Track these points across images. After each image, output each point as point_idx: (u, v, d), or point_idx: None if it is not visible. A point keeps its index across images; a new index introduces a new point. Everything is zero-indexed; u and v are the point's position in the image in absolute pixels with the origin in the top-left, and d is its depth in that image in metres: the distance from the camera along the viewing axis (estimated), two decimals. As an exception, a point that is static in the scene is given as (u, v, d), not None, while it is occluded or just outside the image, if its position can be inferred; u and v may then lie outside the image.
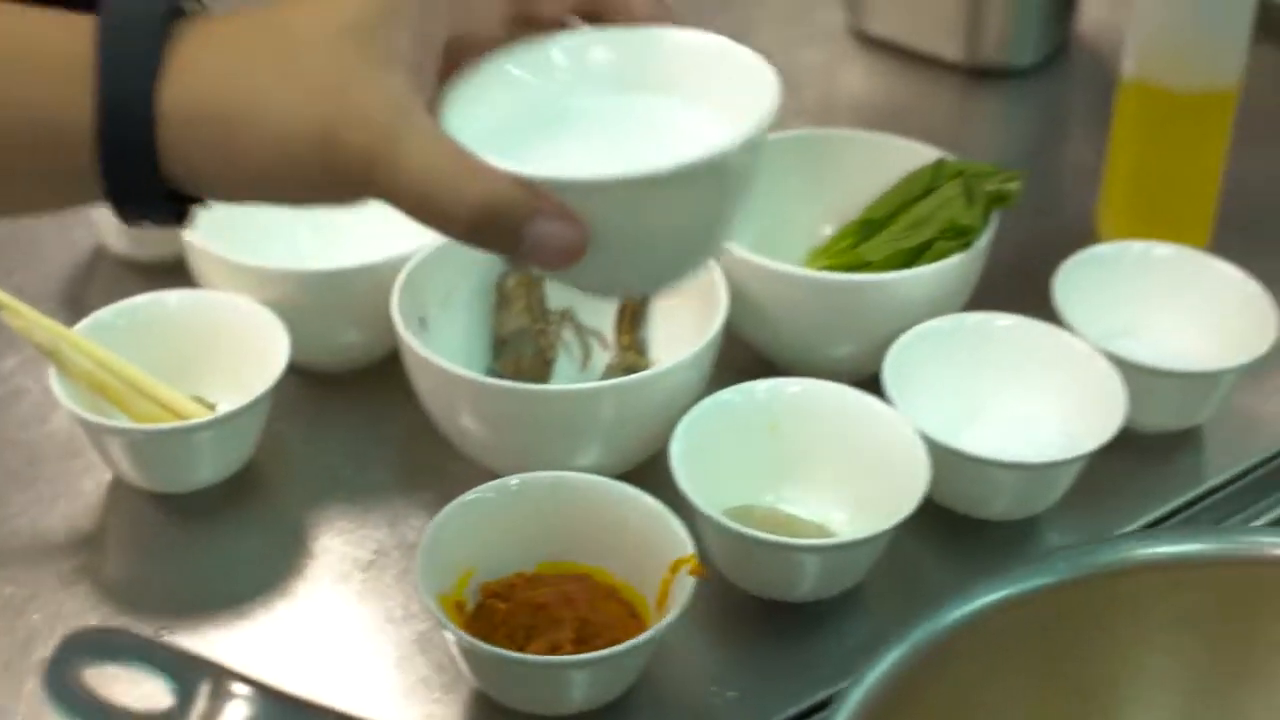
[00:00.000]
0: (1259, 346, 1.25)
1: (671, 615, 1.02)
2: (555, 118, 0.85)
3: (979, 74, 1.70)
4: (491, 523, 1.09)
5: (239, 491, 1.21)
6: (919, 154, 1.34)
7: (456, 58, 0.82)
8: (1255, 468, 1.26)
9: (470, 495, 1.09)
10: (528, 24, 0.84)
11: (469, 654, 1.03)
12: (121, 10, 0.76)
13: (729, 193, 0.81)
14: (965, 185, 1.27)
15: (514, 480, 1.10)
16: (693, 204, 0.79)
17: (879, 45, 1.74)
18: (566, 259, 0.78)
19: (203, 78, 0.76)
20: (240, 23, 0.77)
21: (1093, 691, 0.96)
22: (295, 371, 1.22)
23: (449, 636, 1.03)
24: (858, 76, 1.71)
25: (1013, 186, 1.28)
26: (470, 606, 1.08)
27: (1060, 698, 0.95)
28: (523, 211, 0.75)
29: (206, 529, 1.19)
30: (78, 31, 0.77)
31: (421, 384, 1.16)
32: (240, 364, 1.21)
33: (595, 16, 0.85)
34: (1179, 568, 0.95)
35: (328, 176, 0.76)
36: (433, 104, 0.80)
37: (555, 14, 0.84)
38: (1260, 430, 1.29)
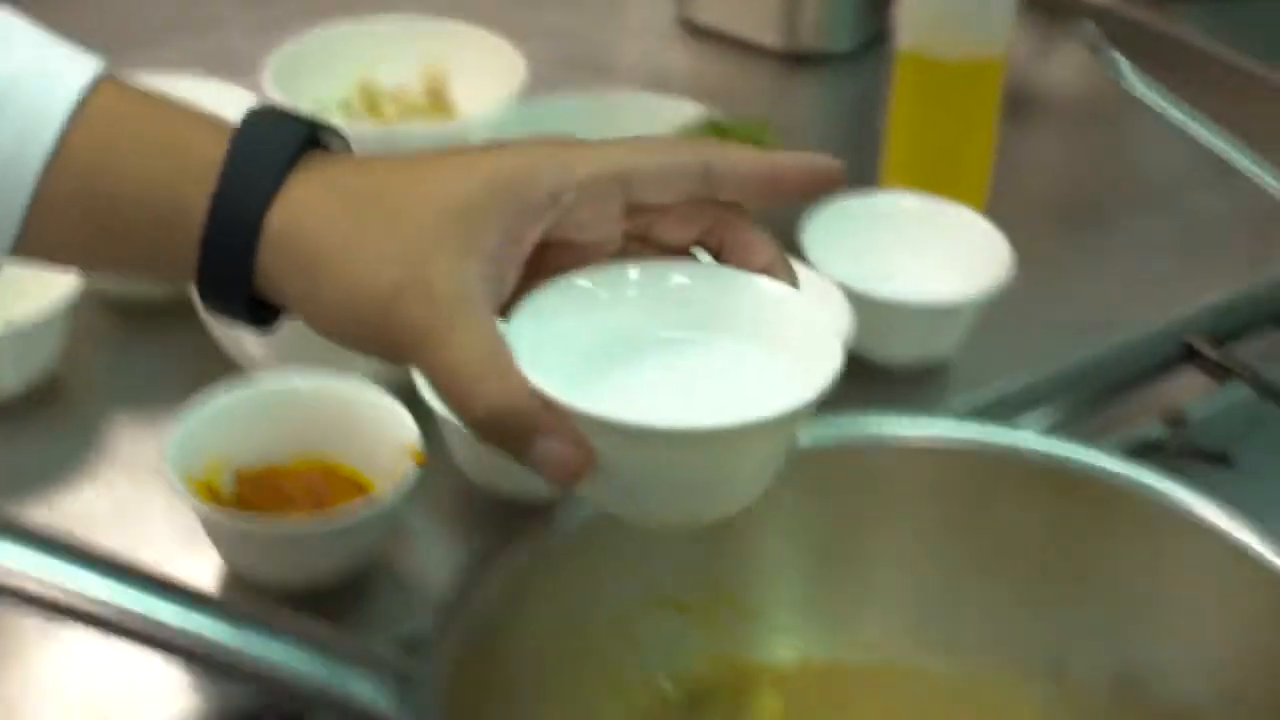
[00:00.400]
0: (996, 280, 1.35)
1: (394, 492, 1.12)
2: (619, 341, 0.86)
3: (798, 60, 1.80)
4: (245, 417, 1.20)
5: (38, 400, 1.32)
6: (691, 112, 1.45)
7: (565, 263, 0.84)
8: (996, 400, 1.36)
9: (223, 390, 1.20)
10: (645, 242, 0.85)
11: (209, 524, 1.14)
12: (261, 130, 0.82)
13: (755, 455, 0.82)
14: (718, 135, 1.37)
15: (264, 379, 1.21)
16: (711, 462, 0.81)
17: (705, 34, 1.85)
18: (568, 478, 0.81)
19: (310, 215, 0.80)
20: (363, 175, 0.82)
21: (844, 556, 1.07)
22: (100, 302, 1.35)
23: (195, 510, 1.12)
24: (684, 64, 1.82)
25: (764, 139, 1.38)
26: (225, 494, 1.18)
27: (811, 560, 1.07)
28: (529, 424, 0.76)
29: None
30: (219, 138, 0.82)
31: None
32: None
33: (716, 252, 0.85)
34: (916, 450, 1.05)
35: (384, 338, 0.80)
36: (510, 304, 0.82)
37: (676, 241, 0.85)
38: (1002, 361, 1.39)
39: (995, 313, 1.34)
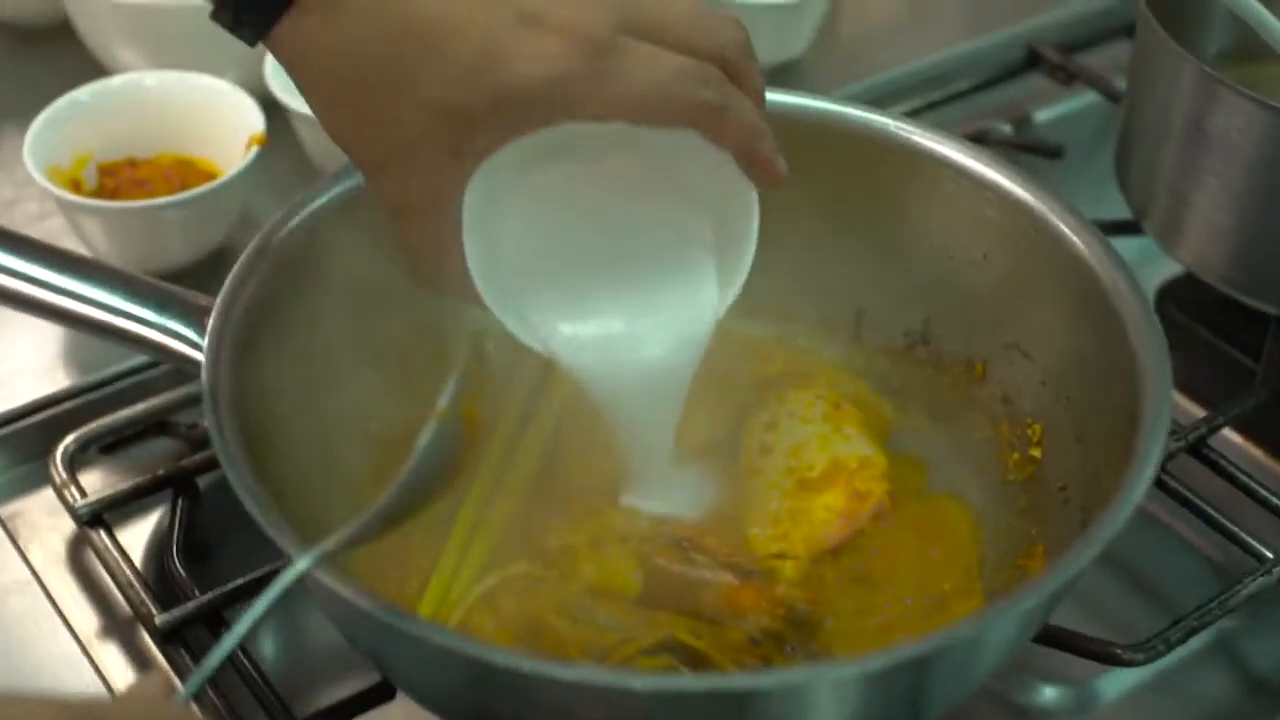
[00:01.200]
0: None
1: (239, 171, 1.18)
2: (562, 230, 0.94)
3: None
4: (104, 113, 1.26)
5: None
6: None
7: None
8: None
9: (84, 89, 1.26)
10: None
11: (71, 213, 1.22)
12: None
13: None
14: None
15: (116, 80, 1.26)
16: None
17: None
18: None
19: None
20: None
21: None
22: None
23: (58, 200, 1.20)
24: None
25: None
26: (88, 187, 1.24)
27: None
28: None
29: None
30: None
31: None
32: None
33: None
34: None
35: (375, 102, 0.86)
36: None
37: None
38: (851, 64, 1.44)
39: (844, 16, 1.37)
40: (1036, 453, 1.00)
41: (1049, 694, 1.05)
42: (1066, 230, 1.00)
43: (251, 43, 0.86)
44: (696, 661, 0.90)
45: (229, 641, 0.75)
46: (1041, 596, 0.81)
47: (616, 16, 0.84)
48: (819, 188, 1.08)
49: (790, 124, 1.03)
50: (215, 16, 0.86)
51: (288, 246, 0.98)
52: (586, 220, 0.94)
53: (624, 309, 0.96)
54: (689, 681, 0.80)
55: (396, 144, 0.86)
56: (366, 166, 0.88)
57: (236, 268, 0.95)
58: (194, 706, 0.74)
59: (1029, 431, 1.01)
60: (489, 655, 0.76)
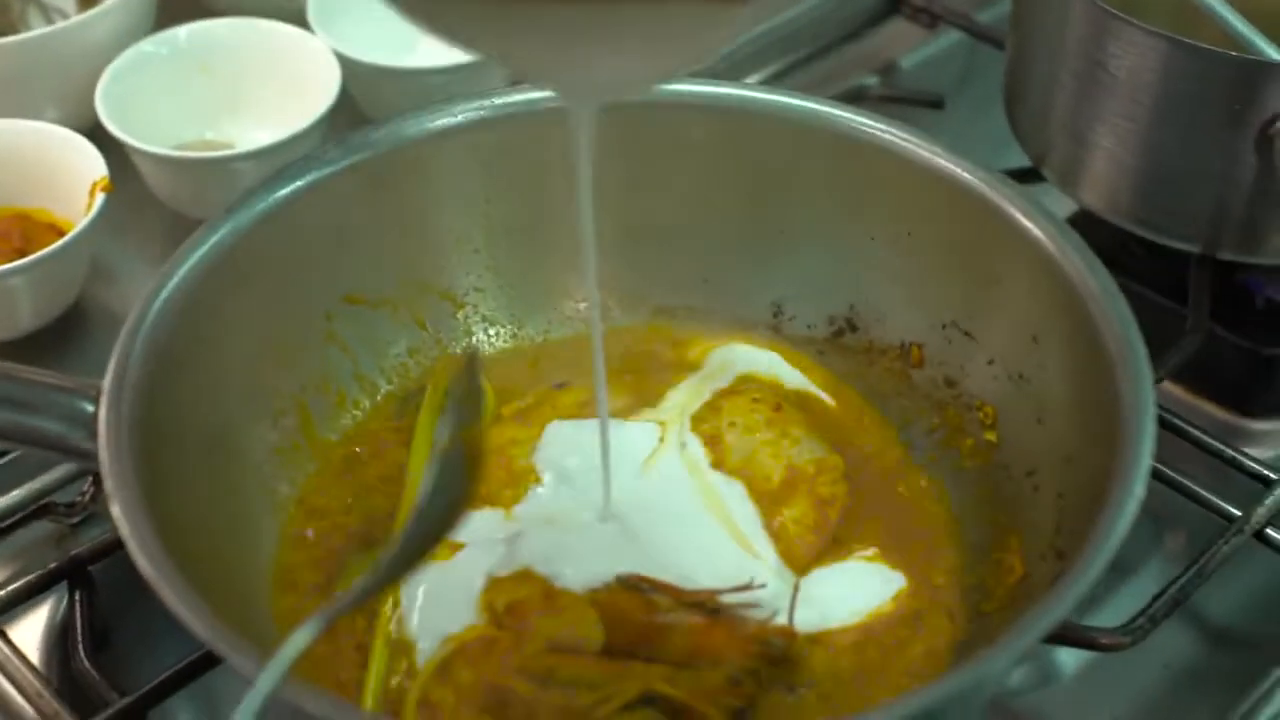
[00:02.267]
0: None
1: (88, 223, 1.08)
2: None
3: None
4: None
5: None
6: None
7: None
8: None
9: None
10: None
11: None
12: None
13: None
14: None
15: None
16: None
17: None
18: None
19: None
20: None
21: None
22: None
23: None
24: None
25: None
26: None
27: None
28: None
29: None
30: None
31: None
32: None
33: None
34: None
35: None
36: None
37: None
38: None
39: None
40: (992, 436, 0.95)
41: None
42: (996, 197, 0.95)
43: None
44: (678, 713, 0.83)
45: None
46: (1035, 636, 0.77)
47: None
48: (722, 177, 1.04)
49: (686, 110, 1.02)
50: None
51: (168, 314, 0.91)
52: None
53: None
54: None
55: None
56: None
57: (118, 347, 0.88)
58: None
59: (980, 414, 0.96)
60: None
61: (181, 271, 0.92)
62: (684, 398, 1.00)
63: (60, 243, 1.09)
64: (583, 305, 1.06)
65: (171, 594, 0.75)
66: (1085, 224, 1.17)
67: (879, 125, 0.99)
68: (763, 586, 0.89)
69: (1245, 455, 1.04)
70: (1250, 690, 0.95)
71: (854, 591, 0.93)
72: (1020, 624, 0.76)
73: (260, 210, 0.96)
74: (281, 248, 0.97)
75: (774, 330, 1.06)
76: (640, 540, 0.91)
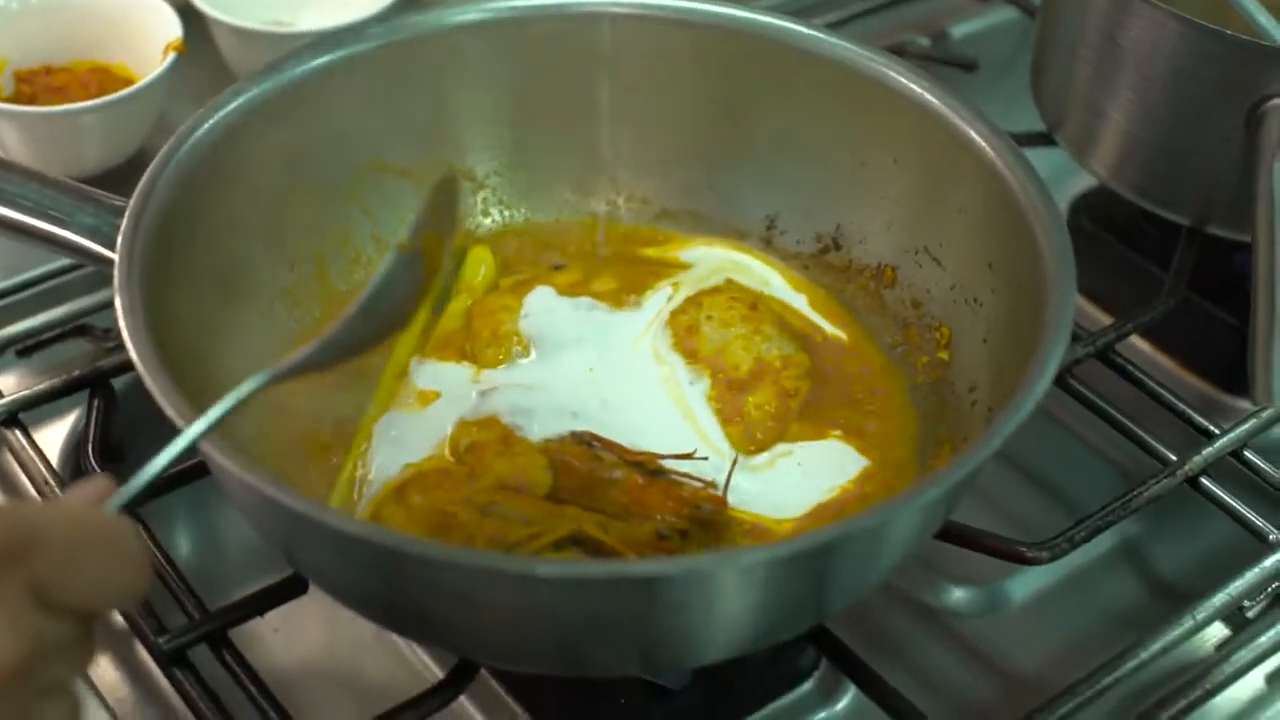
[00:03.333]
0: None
1: (156, 76, 1.17)
2: None
3: None
4: (20, 19, 1.26)
5: None
6: None
7: None
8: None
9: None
10: None
11: None
12: None
13: None
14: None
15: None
16: None
17: None
18: None
19: None
20: None
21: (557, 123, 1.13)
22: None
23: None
24: None
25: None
26: (5, 92, 1.24)
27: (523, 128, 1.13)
28: None
29: None
30: None
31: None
32: None
33: None
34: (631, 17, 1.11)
35: None
36: None
37: None
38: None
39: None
40: (944, 355, 1.02)
41: (958, 595, 1.07)
42: (976, 137, 1.01)
43: None
44: (602, 555, 0.90)
45: (177, 447, 0.77)
46: (943, 488, 0.82)
47: None
48: (733, 95, 1.10)
49: (701, 30, 1.07)
50: None
51: (202, 149, 0.98)
52: None
53: None
54: (593, 568, 0.81)
55: None
56: None
57: (150, 168, 0.95)
58: (127, 520, 0.72)
59: (937, 335, 1.03)
60: (399, 544, 0.77)
61: (220, 113, 1.00)
62: (668, 291, 1.07)
63: (129, 90, 1.18)
64: (592, 199, 1.13)
65: (150, 372, 0.82)
66: (1101, 197, 1.23)
67: (874, 56, 1.06)
68: (704, 459, 0.96)
69: (1195, 411, 1.10)
70: (1165, 632, 0.99)
71: (815, 474, 1.00)
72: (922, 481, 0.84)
73: (301, 71, 1.04)
74: (317, 107, 1.04)
75: (765, 242, 1.13)
76: (600, 407, 0.99)
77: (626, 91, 1.11)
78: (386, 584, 0.82)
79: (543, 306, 1.05)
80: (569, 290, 1.07)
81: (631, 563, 0.85)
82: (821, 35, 1.08)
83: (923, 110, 1.05)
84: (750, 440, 1.00)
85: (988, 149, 0.99)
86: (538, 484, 0.94)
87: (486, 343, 1.02)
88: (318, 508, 0.80)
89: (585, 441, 0.96)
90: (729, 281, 1.09)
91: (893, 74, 1.06)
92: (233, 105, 1.00)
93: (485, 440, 0.96)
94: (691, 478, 0.96)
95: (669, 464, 0.97)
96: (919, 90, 1.05)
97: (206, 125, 0.99)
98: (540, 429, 0.98)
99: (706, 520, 0.93)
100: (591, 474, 0.94)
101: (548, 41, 1.09)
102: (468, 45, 1.09)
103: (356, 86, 1.06)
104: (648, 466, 0.95)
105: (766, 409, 1.00)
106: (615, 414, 0.99)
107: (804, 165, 1.11)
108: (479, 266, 1.10)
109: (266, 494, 0.78)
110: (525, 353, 1.04)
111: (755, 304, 1.06)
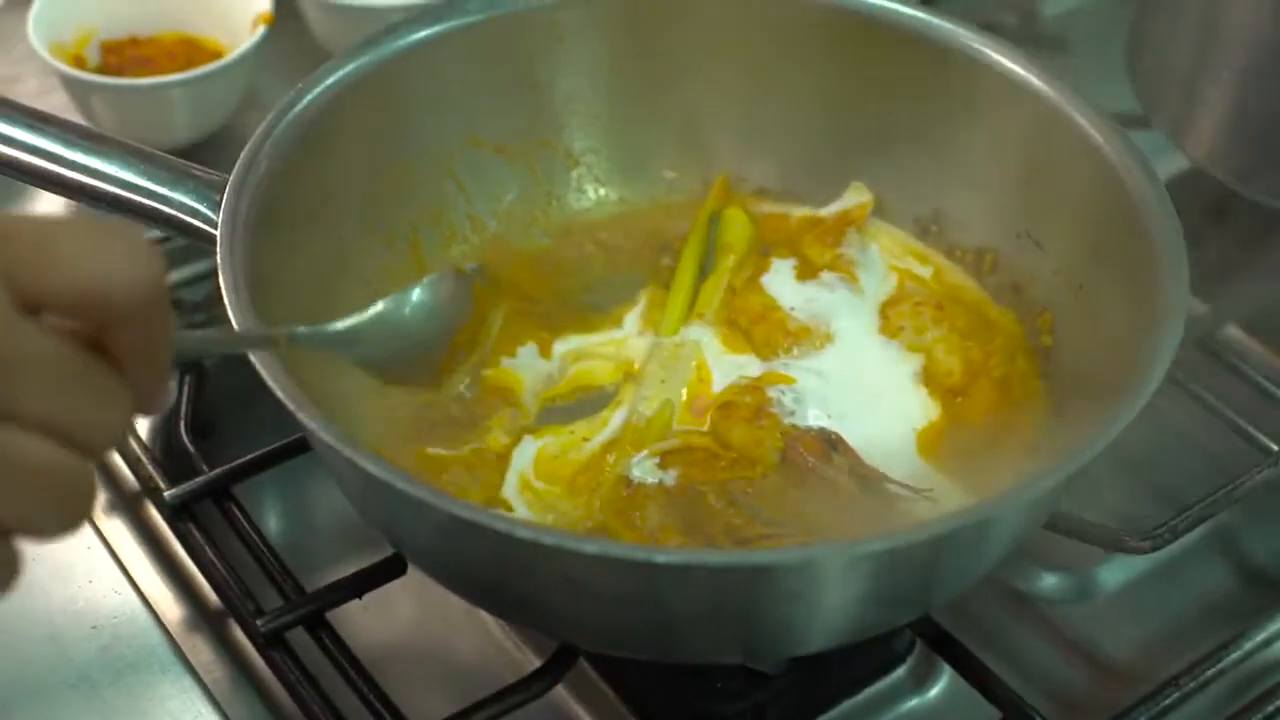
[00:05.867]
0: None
1: (245, 49, 1.17)
2: None
3: None
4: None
5: None
6: None
7: None
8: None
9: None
10: None
11: (76, 89, 1.22)
12: None
13: None
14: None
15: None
16: None
17: None
18: None
19: None
20: None
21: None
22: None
23: (61, 75, 1.18)
24: None
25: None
26: (91, 64, 1.23)
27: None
28: None
29: None
30: None
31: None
32: None
33: None
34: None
35: None
36: None
37: None
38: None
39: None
40: (1047, 341, 0.99)
41: (1050, 581, 1.06)
42: (1082, 120, 0.99)
43: None
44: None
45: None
46: (1055, 480, 0.81)
47: None
48: (831, 72, 1.09)
49: (804, 9, 1.07)
50: None
51: (300, 124, 0.97)
52: None
53: None
54: (708, 556, 0.81)
55: None
56: None
57: (250, 143, 0.94)
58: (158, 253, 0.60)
59: (1040, 321, 1.01)
60: (509, 529, 0.76)
61: (317, 89, 0.99)
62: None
63: (218, 63, 1.18)
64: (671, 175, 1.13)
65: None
66: (1195, 181, 1.21)
67: (971, 34, 1.05)
68: (929, 491, 0.95)
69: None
70: (1267, 624, 0.99)
71: None
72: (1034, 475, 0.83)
73: (400, 45, 1.03)
74: (414, 82, 1.03)
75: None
76: (857, 407, 1.00)
77: (728, 75, 1.10)
78: (496, 569, 0.81)
79: (799, 295, 1.05)
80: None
81: (747, 553, 0.84)
82: (923, 15, 1.07)
83: (1028, 93, 1.03)
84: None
85: (1093, 133, 0.98)
86: (765, 463, 0.94)
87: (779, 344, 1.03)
88: (426, 490, 0.79)
89: (829, 440, 0.95)
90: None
91: (997, 56, 1.05)
92: (330, 80, 0.99)
93: (741, 403, 0.96)
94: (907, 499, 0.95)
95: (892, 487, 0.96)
96: (1023, 73, 1.04)
97: (305, 101, 0.98)
98: (800, 417, 0.98)
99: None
100: (814, 470, 0.93)
101: (647, 22, 1.09)
102: (567, 23, 1.08)
103: (452, 61, 1.05)
104: (871, 482, 0.94)
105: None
106: (866, 420, 0.99)
107: (904, 144, 1.09)
108: (735, 225, 1.09)
109: (369, 472, 0.78)
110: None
111: (941, 304, 1.05)
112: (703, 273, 1.06)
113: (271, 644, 0.92)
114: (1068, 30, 1.39)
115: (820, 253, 1.07)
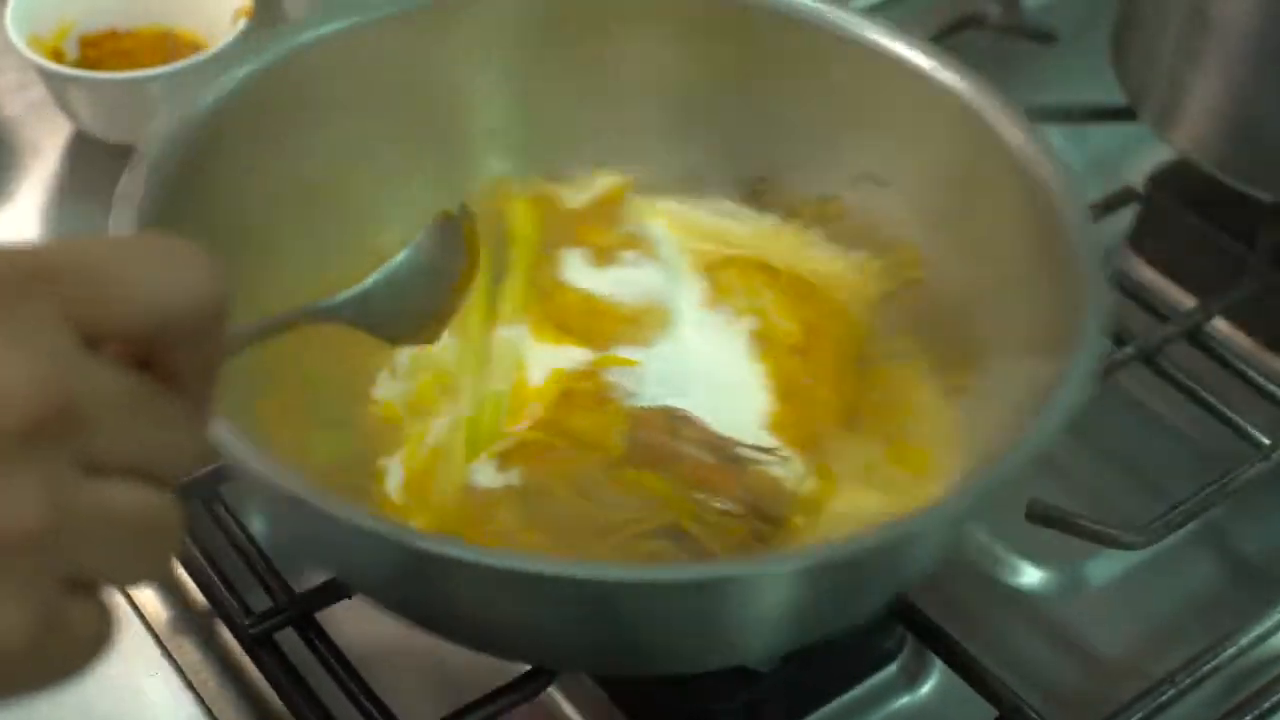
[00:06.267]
0: None
1: (225, 41, 1.16)
2: None
3: None
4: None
5: None
6: None
7: None
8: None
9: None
10: None
11: (55, 84, 1.21)
12: None
13: None
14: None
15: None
16: None
17: None
18: None
19: None
20: None
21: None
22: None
23: (40, 69, 1.18)
24: None
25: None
26: (70, 57, 1.22)
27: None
28: None
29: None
30: None
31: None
32: None
33: None
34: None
35: None
36: None
37: None
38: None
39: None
40: (917, 274, 1.01)
41: (1036, 576, 1.06)
42: (905, 52, 0.99)
43: None
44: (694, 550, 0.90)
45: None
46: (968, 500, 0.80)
47: None
48: (667, 48, 1.07)
49: None
50: None
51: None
52: None
53: None
54: (651, 573, 0.78)
55: None
56: None
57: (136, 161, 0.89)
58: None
59: (905, 256, 1.02)
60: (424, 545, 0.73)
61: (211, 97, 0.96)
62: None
63: (198, 56, 1.16)
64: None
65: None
66: (1180, 171, 1.21)
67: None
68: (785, 457, 0.95)
69: (1282, 391, 1.06)
70: (1262, 620, 0.98)
71: None
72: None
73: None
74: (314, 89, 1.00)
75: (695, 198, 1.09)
76: (696, 381, 0.98)
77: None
78: (423, 588, 0.79)
79: (606, 280, 1.03)
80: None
81: (683, 567, 0.84)
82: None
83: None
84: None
85: (917, 59, 0.99)
86: (612, 446, 0.93)
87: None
88: (327, 498, 0.74)
89: (674, 416, 0.94)
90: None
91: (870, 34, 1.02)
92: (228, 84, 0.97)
93: (579, 390, 0.95)
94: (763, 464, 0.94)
95: (744, 452, 0.95)
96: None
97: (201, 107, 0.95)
98: (642, 398, 0.96)
99: (771, 517, 0.92)
100: (664, 445, 0.92)
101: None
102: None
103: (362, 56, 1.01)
104: (725, 451, 0.93)
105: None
106: (709, 392, 0.98)
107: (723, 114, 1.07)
108: (518, 220, 1.06)
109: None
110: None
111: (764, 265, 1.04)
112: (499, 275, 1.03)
113: (260, 645, 0.91)
114: (1051, 21, 1.37)
115: (601, 234, 1.05)
